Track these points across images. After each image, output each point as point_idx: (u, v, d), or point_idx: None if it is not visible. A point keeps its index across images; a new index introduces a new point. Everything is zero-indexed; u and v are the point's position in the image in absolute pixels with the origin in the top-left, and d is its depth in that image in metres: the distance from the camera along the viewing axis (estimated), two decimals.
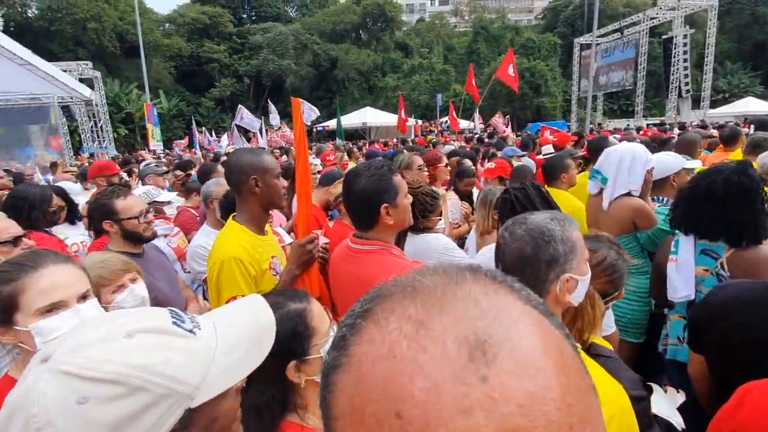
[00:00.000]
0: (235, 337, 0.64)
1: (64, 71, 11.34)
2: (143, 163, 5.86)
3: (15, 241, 1.83)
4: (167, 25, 36.99)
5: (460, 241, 2.99)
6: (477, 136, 11.96)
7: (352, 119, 23.54)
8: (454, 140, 11.38)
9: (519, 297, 0.34)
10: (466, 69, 15.21)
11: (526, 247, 0.97)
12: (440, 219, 2.33)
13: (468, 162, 4.02)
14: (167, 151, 15.95)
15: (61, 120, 14.10)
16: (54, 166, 7.28)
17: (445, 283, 0.34)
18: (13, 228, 1.87)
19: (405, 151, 4.52)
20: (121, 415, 0.50)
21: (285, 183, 1.76)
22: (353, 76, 35.36)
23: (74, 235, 2.98)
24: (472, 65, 15.11)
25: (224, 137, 15.21)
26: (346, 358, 0.33)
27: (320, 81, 36.45)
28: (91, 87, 13.42)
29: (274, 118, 15.11)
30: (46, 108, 12.38)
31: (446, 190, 3.59)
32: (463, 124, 19.41)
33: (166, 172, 4.79)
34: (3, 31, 8.04)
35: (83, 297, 1.05)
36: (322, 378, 0.35)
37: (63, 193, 3.06)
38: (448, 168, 3.71)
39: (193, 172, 4.51)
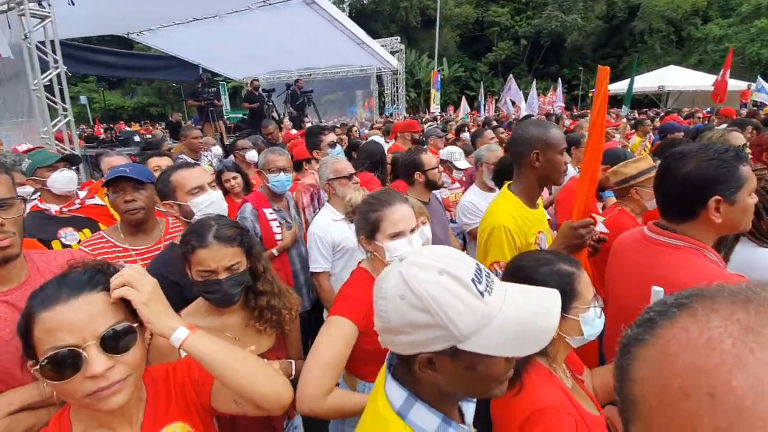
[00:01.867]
0: (514, 320, 0.68)
1: (382, 46, 14.06)
2: (426, 125, 6.74)
3: (350, 176, 2.55)
4: None
5: None
6: None
7: (644, 82, 19.10)
8: None
9: None
10: None
11: None
12: None
13: None
14: (442, 114, 17.74)
15: (374, 86, 17.81)
16: (371, 127, 9.46)
17: None
18: (350, 168, 2.60)
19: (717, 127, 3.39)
20: (413, 320, 0.67)
21: (568, 159, 1.69)
22: (658, 27, 28.20)
23: None
24: None
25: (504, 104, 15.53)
26: (651, 337, 0.38)
27: (609, 36, 30.99)
28: (397, 58, 16.14)
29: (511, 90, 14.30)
30: (368, 77, 16.05)
31: None
32: None
33: (445, 136, 5.40)
34: (348, 17, 10.62)
35: (412, 230, 1.43)
36: (622, 347, 0.41)
37: None
38: None
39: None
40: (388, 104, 17.18)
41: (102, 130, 13.07)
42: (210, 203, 1.73)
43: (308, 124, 9.07)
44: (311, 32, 10.30)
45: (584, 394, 1.15)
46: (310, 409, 1.16)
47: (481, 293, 0.67)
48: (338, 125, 8.81)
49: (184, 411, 1.01)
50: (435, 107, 18.16)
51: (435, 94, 18.24)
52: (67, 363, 0.79)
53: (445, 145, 4.61)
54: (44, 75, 5.11)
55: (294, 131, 5.16)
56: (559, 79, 19.14)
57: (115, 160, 2.92)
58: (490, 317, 0.66)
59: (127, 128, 15.61)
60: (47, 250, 1.79)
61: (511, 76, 15.70)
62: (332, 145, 3.42)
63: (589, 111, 13.54)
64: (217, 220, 1.35)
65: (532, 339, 0.68)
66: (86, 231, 2.41)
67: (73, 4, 5.10)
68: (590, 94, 21.74)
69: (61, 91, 5.35)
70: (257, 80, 10.06)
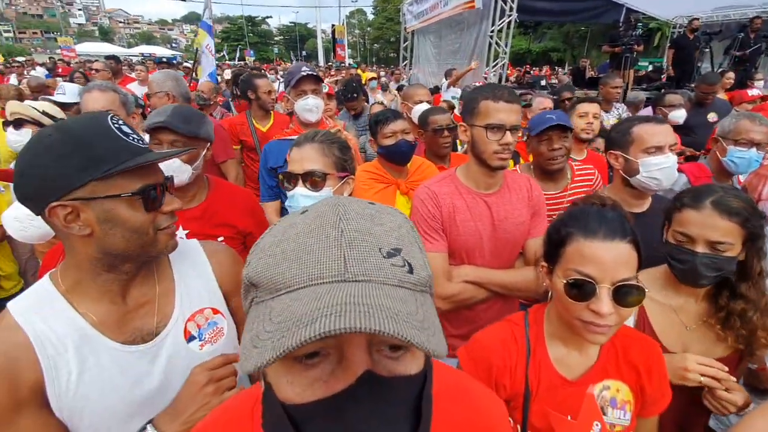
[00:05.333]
0: None
1: None
2: None
3: None
4: None
5: None
6: None
7: None
8: None
9: None
10: None
11: None
12: None
13: None
14: None
15: None
16: None
17: None
18: None
19: None
20: None
21: None
22: None
23: None
24: None
25: None
26: None
27: None
28: None
29: None
30: None
31: None
32: None
33: None
34: None
35: None
36: None
37: None
38: None
39: None
40: None
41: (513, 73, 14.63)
42: (664, 167, 1.50)
43: (759, 82, 6.47)
44: None
45: None
46: None
47: None
48: None
49: (627, 377, 0.99)
50: None
51: None
52: (582, 291, 0.87)
53: None
54: (500, 22, 6.06)
55: (754, 92, 3.65)
56: None
57: (546, 102, 3.15)
58: None
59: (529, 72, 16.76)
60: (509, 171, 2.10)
61: None
62: None
63: None
64: (728, 188, 1.13)
65: None
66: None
67: None
68: None
69: (507, 36, 6.24)
70: (698, 19, 7.89)
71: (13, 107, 2.08)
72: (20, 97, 4.32)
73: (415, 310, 0.40)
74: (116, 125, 0.79)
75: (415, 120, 2.84)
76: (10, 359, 0.75)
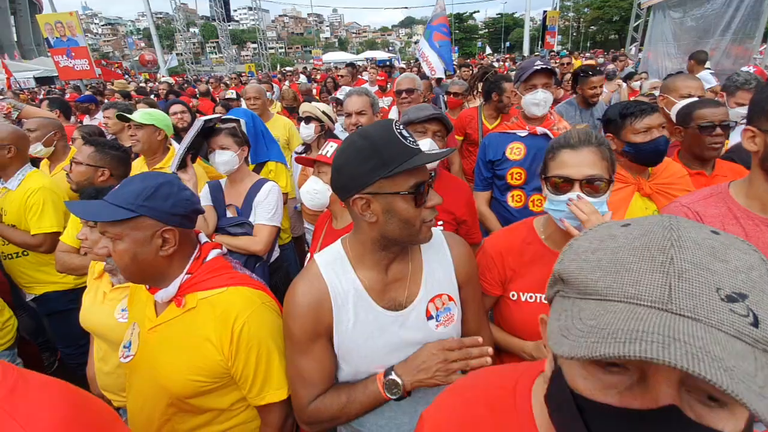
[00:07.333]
0: None
1: None
2: None
3: None
4: None
5: None
6: None
7: None
8: None
9: None
10: None
11: None
12: None
13: None
14: None
15: None
16: None
17: None
18: None
19: None
20: None
21: None
22: None
23: None
24: None
25: None
26: None
27: None
28: None
29: None
30: None
31: None
32: None
33: None
34: None
35: None
36: None
37: None
38: None
39: None
40: None
41: None
42: None
43: None
44: None
45: None
46: None
47: None
48: None
49: None
50: None
51: None
52: None
53: None
54: None
55: None
56: None
57: None
58: None
59: None
60: None
61: None
62: None
63: None
64: None
65: None
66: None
67: None
68: None
69: None
70: None
71: (304, 107, 2.76)
72: (296, 98, 5.73)
73: (753, 370, 0.35)
74: (398, 131, 0.93)
75: (674, 118, 2.32)
76: (317, 300, 1.01)
